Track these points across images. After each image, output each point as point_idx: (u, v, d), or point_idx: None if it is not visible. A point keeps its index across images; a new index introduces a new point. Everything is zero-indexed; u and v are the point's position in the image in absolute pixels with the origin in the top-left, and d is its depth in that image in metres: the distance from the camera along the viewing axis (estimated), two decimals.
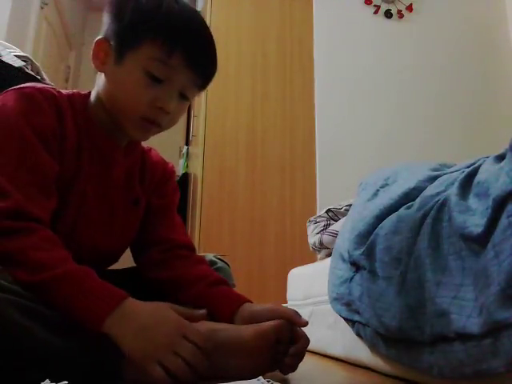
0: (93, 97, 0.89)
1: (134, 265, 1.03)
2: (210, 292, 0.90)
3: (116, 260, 1.01)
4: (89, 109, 0.89)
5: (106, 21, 0.85)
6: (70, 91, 0.90)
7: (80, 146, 0.86)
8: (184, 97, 0.86)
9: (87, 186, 0.87)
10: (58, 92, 0.85)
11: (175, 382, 0.66)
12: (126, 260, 1.04)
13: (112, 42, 0.83)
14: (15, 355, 0.62)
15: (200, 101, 2.91)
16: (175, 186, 1.08)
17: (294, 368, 0.82)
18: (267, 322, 0.79)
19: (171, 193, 1.06)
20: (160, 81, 0.81)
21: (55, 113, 0.82)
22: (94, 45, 0.85)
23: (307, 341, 0.83)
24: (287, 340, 0.80)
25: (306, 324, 0.83)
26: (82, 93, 0.91)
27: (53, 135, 0.81)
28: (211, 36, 0.86)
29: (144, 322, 0.69)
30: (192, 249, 1.02)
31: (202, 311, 0.80)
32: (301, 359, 0.82)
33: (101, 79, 0.87)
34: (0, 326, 0.61)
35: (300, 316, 0.84)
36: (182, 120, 4.05)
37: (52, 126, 0.81)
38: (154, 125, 0.84)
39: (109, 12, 0.84)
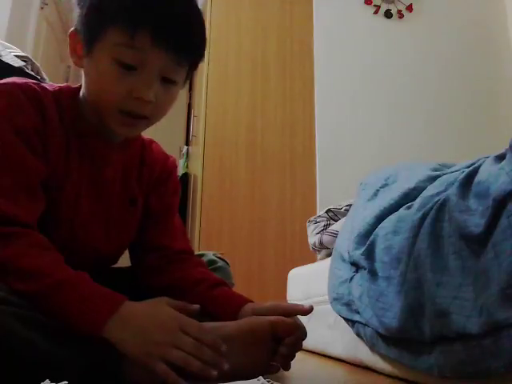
0: (81, 93, 0.84)
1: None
2: (211, 294, 0.89)
3: (115, 261, 0.99)
4: (78, 104, 0.84)
5: (75, 11, 0.80)
6: (57, 86, 0.85)
7: (68, 145, 0.82)
8: (168, 80, 0.78)
9: (81, 187, 0.84)
10: (42, 88, 0.81)
11: (181, 374, 0.66)
12: (125, 260, 1.03)
13: (81, 33, 0.78)
14: (16, 366, 0.62)
15: (200, 101, 2.91)
16: (176, 184, 1.03)
17: (291, 357, 0.81)
18: (263, 317, 0.79)
19: (171, 193, 1.01)
20: (133, 68, 0.74)
21: (37, 111, 0.78)
22: (68, 38, 0.80)
23: (304, 332, 0.82)
24: (286, 336, 0.80)
25: (310, 310, 0.82)
26: (72, 87, 0.86)
27: (36, 134, 0.76)
28: (185, 6, 0.77)
29: (142, 323, 0.68)
30: (190, 253, 1.00)
31: (196, 306, 0.78)
32: (297, 350, 0.82)
33: (83, 74, 0.82)
34: (1, 337, 0.60)
35: (302, 306, 0.84)
36: (182, 120, 4.05)
37: (34, 124, 0.77)
38: (139, 118, 0.78)
39: (77, 2, 0.79)
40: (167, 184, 0.99)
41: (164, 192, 0.98)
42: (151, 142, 0.99)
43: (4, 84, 0.77)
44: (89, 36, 0.76)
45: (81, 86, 0.85)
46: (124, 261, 1.02)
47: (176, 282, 0.92)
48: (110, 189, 0.88)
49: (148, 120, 0.80)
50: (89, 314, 0.66)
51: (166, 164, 1.00)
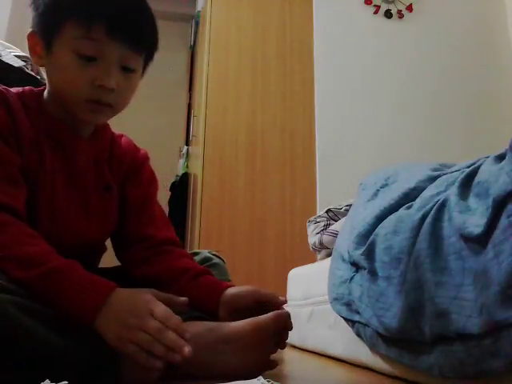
0: (45, 93, 0.89)
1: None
2: (194, 284, 0.91)
3: (102, 249, 1.01)
4: (44, 105, 0.88)
5: (31, 13, 0.84)
6: (20, 89, 0.89)
7: (38, 141, 0.85)
8: (127, 69, 0.83)
9: (55, 178, 0.87)
10: (6, 90, 0.85)
11: (150, 356, 0.66)
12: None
13: (38, 34, 0.82)
14: (16, 354, 0.62)
15: (200, 101, 2.91)
16: (150, 174, 1.05)
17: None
18: (264, 316, 0.80)
19: (146, 182, 1.03)
20: (93, 59, 0.79)
21: (5, 111, 0.81)
22: (27, 40, 0.84)
23: (287, 315, 0.84)
24: (283, 329, 0.82)
25: (284, 302, 0.86)
26: (35, 89, 0.90)
27: (8, 131, 0.80)
28: None
29: (118, 307, 0.69)
30: (175, 243, 1.01)
31: (183, 299, 0.80)
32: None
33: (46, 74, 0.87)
34: (2, 326, 0.61)
35: (277, 296, 0.88)
36: (182, 120, 4.05)
37: (5, 122, 0.80)
38: (103, 105, 0.82)
39: (30, 4, 0.83)
40: (140, 174, 1.02)
41: (139, 182, 1.01)
42: (121, 135, 1.03)
43: None
44: (47, 34, 0.81)
45: (44, 88, 0.90)
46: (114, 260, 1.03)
47: (161, 273, 0.93)
48: (83, 177, 0.92)
49: (112, 108, 0.84)
50: (81, 301, 0.68)
51: (136, 156, 1.03)
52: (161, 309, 0.70)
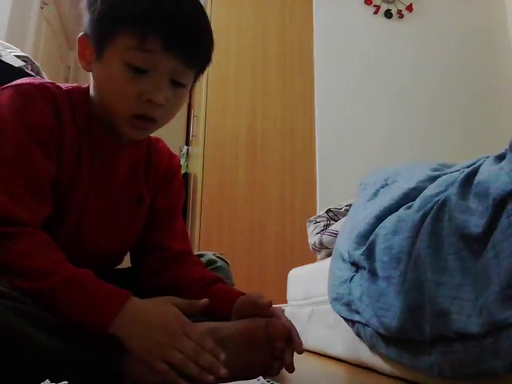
0: (91, 93, 0.85)
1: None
2: (206, 292, 0.89)
3: (120, 261, 1.00)
4: (89, 104, 0.85)
5: (84, 17, 0.81)
6: (69, 85, 0.85)
7: (80, 145, 0.83)
8: (177, 83, 0.79)
9: (89, 187, 0.85)
10: (57, 87, 0.82)
11: (180, 374, 0.67)
12: (127, 259, 1.03)
13: (91, 38, 0.79)
14: (16, 361, 0.62)
15: (200, 101, 2.91)
16: (181, 183, 1.04)
17: (286, 361, 0.80)
18: (258, 320, 0.79)
19: (176, 193, 1.02)
20: (143, 71, 0.75)
21: (53, 111, 0.79)
22: (77, 43, 0.81)
23: (296, 335, 0.81)
24: (283, 337, 0.79)
25: (269, 304, 0.82)
26: (83, 87, 0.87)
27: (50, 135, 0.78)
28: (193, 9, 0.79)
29: (148, 321, 0.69)
30: (189, 254, 1.00)
31: (203, 301, 0.78)
32: (290, 353, 0.80)
33: (91, 78, 0.84)
34: (3, 333, 0.61)
35: (264, 299, 0.83)
36: (182, 120, 4.05)
37: (49, 125, 0.78)
38: (148, 121, 0.79)
39: (84, 6, 0.80)
40: (173, 183, 1.01)
41: (170, 192, 1.00)
42: (158, 140, 1.01)
43: (21, 85, 0.78)
44: (99, 41, 0.77)
45: (89, 86, 0.86)
46: (125, 262, 1.02)
47: (173, 282, 0.93)
48: (118, 188, 0.89)
49: (156, 124, 0.81)
50: (96, 310, 0.67)
51: (172, 163, 1.01)
52: (196, 330, 0.70)
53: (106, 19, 0.76)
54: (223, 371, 0.67)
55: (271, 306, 0.82)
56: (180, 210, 1.04)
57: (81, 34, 0.81)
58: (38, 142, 0.76)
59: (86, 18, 0.80)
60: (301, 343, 0.80)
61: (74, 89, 0.85)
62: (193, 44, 0.78)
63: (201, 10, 0.81)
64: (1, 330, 0.60)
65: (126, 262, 1.03)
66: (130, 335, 0.67)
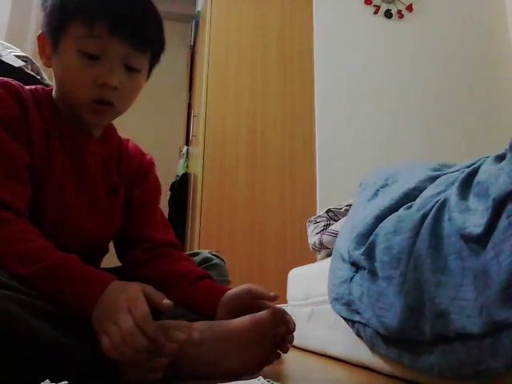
0: (53, 93, 0.90)
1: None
2: (192, 288, 0.91)
3: (105, 249, 1.02)
4: (53, 103, 0.89)
5: (39, 15, 0.87)
6: (33, 86, 0.90)
7: (48, 137, 0.86)
8: (132, 69, 0.84)
9: (64, 177, 0.87)
10: (21, 86, 0.85)
11: (119, 352, 0.65)
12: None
13: (46, 34, 0.84)
14: (18, 353, 0.62)
15: (200, 101, 2.91)
16: (155, 180, 1.07)
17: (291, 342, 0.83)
18: (262, 312, 0.80)
19: (152, 188, 1.05)
20: (96, 57, 0.80)
21: (18, 106, 0.82)
22: (37, 42, 0.86)
23: (282, 311, 0.83)
24: (282, 324, 0.81)
25: (276, 297, 0.86)
26: (46, 88, 0.91)
27: (19, 126, 0.81)
28: None
29: (107, 297, 0.69)
30: (176, 246, 1.02)
31: (168, 302, 0.75)
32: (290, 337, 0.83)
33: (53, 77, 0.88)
34: (5, 323, 0.61)
35: (269, 292, 0.87)
36: (182, 120, 4.05)
37: (16, 117, 0.81)
38: (107, 105, 0.83)
39: (39, 5, 0.86)
40: (147, 179, 1.04)
41: (145, 187, 1.03)
42: (127, 140, 1.05)
43: None
44: (53, 34, 0.82)
45: (52, 89, 0.90)
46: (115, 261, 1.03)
47: (160, 276, 0.93)
48: (92, 177, 0.92)
49: (115, 108, 0.85)
50: (80, 293, 0.69)
51: (143, 162, 1.05)
52: (141, 310, 0.67)
53: (58, 12, 0.81)
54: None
55: (277, 297, 0.85)
56: (157, 204, 1.07)
57: (39, 32, 0.85)
58: (9, 131, 0.79)
59: (41, 16, 0.85)
60: (293, 321, 0.83)
61: (37, 89, 0.89)
62: (139, 27, 0.82)
63: None
64: (2, 320, 0.61)
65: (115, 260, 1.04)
66: (95, 315, 0.68)
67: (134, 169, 1.02)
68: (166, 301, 0.74)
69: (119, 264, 1.04)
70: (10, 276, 0.67)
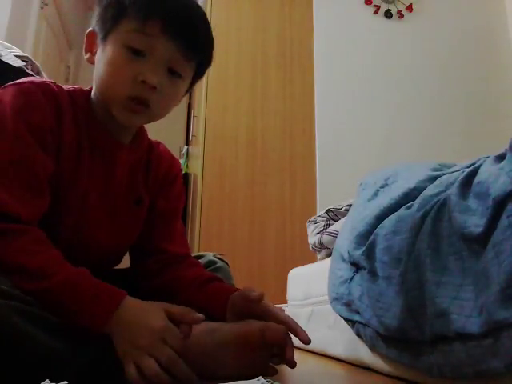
0: (92, 93, 0.87)
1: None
2: (201, 291, 0.89)
3: (119, 260, 1.00)
4: (91, 105, 0.86)
5: (94, 13, 0.85)
6: (71, 87, 0.87)
7: (79, 144, 0.83)
8: (174, 73, 0.82)
9: (89, 186, 0.85)
10: (59, 87, 0.83)
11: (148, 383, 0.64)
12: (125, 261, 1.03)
13: (97, 30, 0.82)
14: (15, 361, 0.62)
15: (200, 101, 2.91)
16: (181, 187, 1.04)
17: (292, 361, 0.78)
18: (255, 323, 0.77)
19: (176, 196, 1.02)
20: (142, 54, 0.78)
21: (54, 109, 0.80)
22: (85, 38, 0.85)
23: (282, 331, 0.78)
24: (280, 342, 0.77)
25: (261, 297, 0.80)
26: (85, 89, 0.88)
27: (50, 133, 0.78)
28: (194, 4, 0.83)
29: (130, 320, 0.68)
30: (187, 255, 1.00)
31: (199, 315, 0.74)
32: (289, 355, 0.78)
33: (94, 77, 0.85)
34: (4, 333, 0.61)
35: (255, 292, 0.81)
36: (182, 120, 4.05)
37: (50, 123, 0.79)
38: (142, 105, 0.80)
39: (96, 2, 0.85)
40: (173, 187, 1.01)
41: (170, 195, 1.00)
42: (158, 143, 1.01)
43: (23, 83, 0.79)
44: (104, 27, 0.81)
45: (91, 89, 0.88)
46: (125, 261, 1.02)
47: (170, 282, 0.92)
48: (117, 188, 0.90)
49: (150, 110, 0.82)
50: (91, 310, 0.67)
51: (172, 166, 1.02)
52: (177, 338, 0.67)
53: (112, 7, 0.80)
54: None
55: (263, 298, 0.80)
56: (180, 213, 1.04)
57: (89, 28, 0.84)
58: (38, 139, 0.76)
59: (95, 14, 0.84)
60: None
61: (75, 90, 0.87)
62: (190, 33, 0.81)
63: (201, 10, 0.85)
64: (3, 330, 0.60)
65: (126, 262, 1.03)
66: (114, 333, 0.67)
67: (163, 173, 0.99)
68: (196, 315, 0.72)
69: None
70: (11, 284, 0.65)
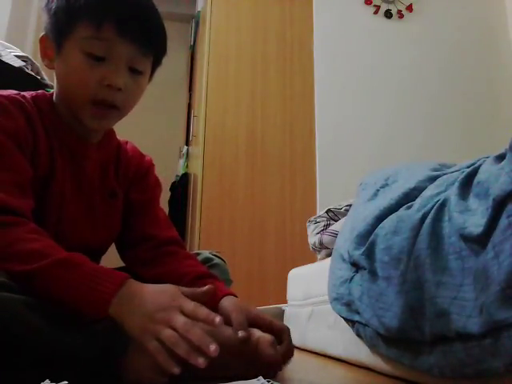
0: (54, 97, 0.90)
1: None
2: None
3: (103, 252, 1.02)
4: (54, 108, 0.89)
5: (43, 16, 0.85)
6: (34, 92, 0.90)
7: (51, 147, 0.86)
8: (136, 71, 0.84)
9: (64, 185, 0.88)
10: (23, 96, 0.86)
11: (173, 356, 0.63)
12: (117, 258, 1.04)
13: (50, 36, 0.84)
14: (21, 352, 0.62)
15: (200, 101, 2.91)
16: (155, 179, 1.07)
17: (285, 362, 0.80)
18: (234, 333, 0.77)
19: (152, 187, 1.06)
20: (102, 59, 0.80)
21: (24, 118, 0.83)
22: (39, 43, 0.85)
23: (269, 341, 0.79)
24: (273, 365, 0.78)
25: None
26: (47, 93, 0.91)
27: (25, 140, 0.81)
28: (143, 1, 0.85)
29: (144, 298, 0.67)
30: (179, 243, 1.02)
31: (205, 288, 0.74)
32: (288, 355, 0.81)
33: (55, 79, 0.88)
34: (12, 325, 0.61)
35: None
36: (182, 120, 4.05)
37: (23, 130, 0.81)
38: (110, 108, 0.83)
39: (42, 6, 0.85)
40: (145, 181, 1.04)
41: (145, 187, 1.03)
42: (126, 142, 1.05)
43: None
44: (58, 35, 0.82)
45: (53, 93, 0.90)
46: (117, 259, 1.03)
47: (164, 275, 0.93)
48: (90, 184, 0.93)
49: (118, 111, 0.85)
50: (95, 289, 0.66)
51: (142, 163, 1.05)
52: (190, 304, 0.67)
53: (63, 14, 0.81)
54: (213, 348, 0.62)
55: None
56: (158, 201, 1.07)
57: (42, 33, 0.85)
58: (15, 142, 0.79)
59: (44, 18, 0.85)
60: (290, 350, 0.81)
61: (38, 95, 0.89)
62: (145, 30, 0.83)
63: (151, 3, 0.87)
64: (8, 321, 0.61)
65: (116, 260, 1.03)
66: (127, 313, 0.66)
67: (133, 171, 1.02)
68: (203, 288, 0.73)
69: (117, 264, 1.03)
70: (9, 277, 0.66)
